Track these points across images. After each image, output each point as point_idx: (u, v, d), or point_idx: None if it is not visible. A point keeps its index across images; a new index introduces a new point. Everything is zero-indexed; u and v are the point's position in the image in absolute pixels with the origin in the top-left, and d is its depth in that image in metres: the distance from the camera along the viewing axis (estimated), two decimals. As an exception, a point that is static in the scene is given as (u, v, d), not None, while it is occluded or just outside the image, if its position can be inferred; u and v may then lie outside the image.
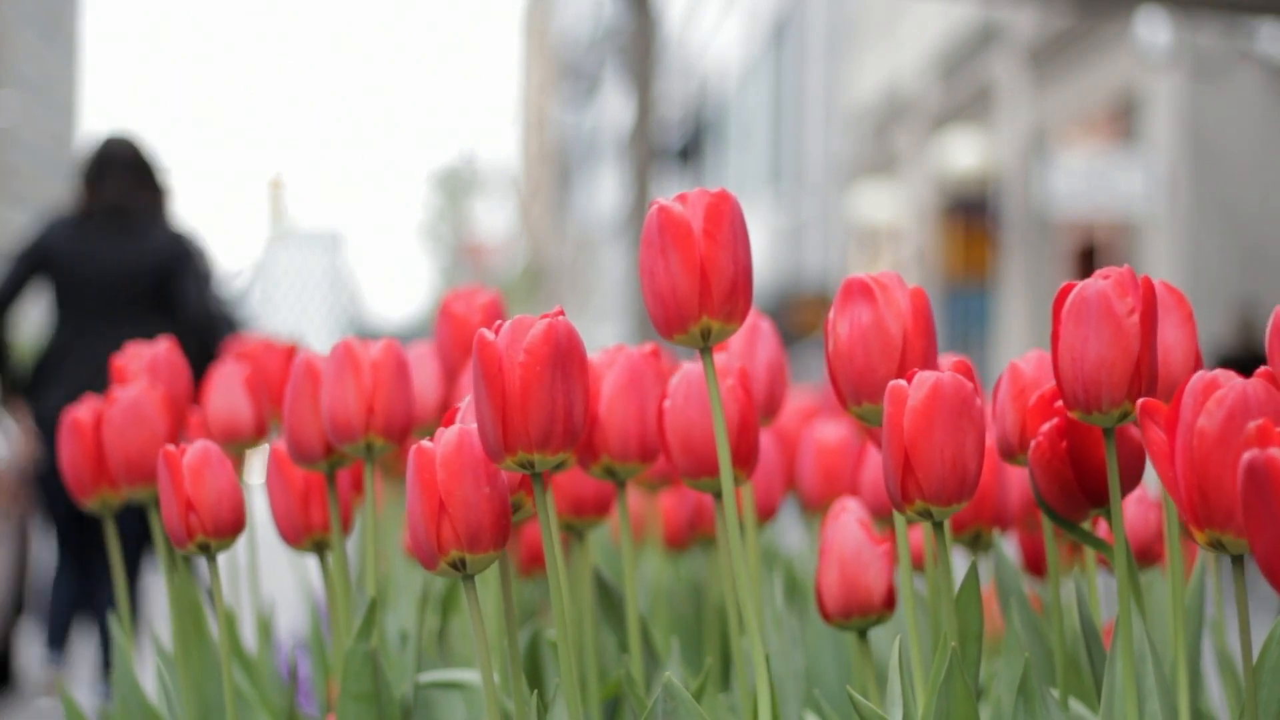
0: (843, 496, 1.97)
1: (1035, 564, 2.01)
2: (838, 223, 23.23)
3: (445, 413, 1.73)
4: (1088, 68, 14.33)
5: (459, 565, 1.39)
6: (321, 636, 2.12)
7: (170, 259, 5.00)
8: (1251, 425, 1.10)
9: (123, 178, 5.05)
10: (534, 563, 2.39)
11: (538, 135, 68.55)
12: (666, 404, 1.66)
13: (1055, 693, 1.61)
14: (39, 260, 5.01)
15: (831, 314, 1.51)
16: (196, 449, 1.65)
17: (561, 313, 1.39)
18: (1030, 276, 15.68)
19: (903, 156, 20.28)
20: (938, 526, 1.39)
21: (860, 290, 1.49)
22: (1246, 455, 1.05)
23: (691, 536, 2.39)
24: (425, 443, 1.39)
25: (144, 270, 4.99)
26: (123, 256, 4.99)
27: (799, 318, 20.37)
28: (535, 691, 1.47)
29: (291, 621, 3.59)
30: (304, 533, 1.82)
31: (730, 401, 1.63)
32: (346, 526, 1.84)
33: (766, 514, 2.11)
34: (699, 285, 1.42)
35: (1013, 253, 16.25)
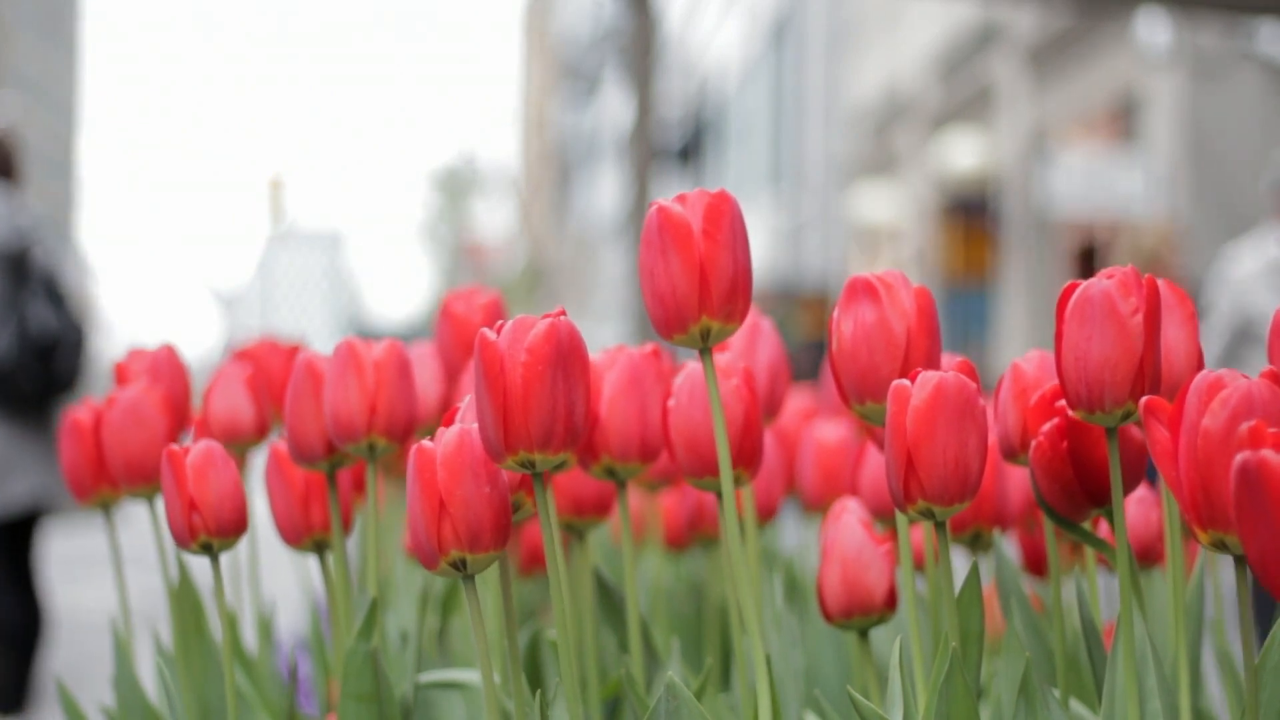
0: (843, 496, 1.96)
1: (1036, 564, 2.00)
2: (838, 223, 23.23)
3: (445, 413, 1.73)
4: (1088, 68, 14.33)
5: (459, 565, 1.39)
6: (322, 636, 2.12)
7: None
8: (1243, 427, 1.09)
9: None
10: (534, 563, 2.39)
11: (538, 135, 68.50)
12: (671, 403, 1.65)
13: (1056, 693, 1.60)
14: None
15: (836, 313, 1.50)
16: (200, 449, 1.64)
17: (563, 312, 1.39)
18: (1030, 276, 15.68)
19: (903, 156, 20.28)
20: (939, 526, 1.39)
21: (865, 289, 1.49)
22: (1239, 457, 1.04)
23: (691, 536, 2.39)
24: (426, 442, 1.39)
25: None
26: None
27: (798, 318, 20.37)
28: (539, 691, 1.46)
29: (292, 621, 3.59)
30: (304, 533, 1.82)
31: (734, 401, 1.63)
32: (347, 526, 1.84)
33: (766, 514, 2.11)
34: (698, 285, 1.42)
35: (1013, 253, 16.25)
